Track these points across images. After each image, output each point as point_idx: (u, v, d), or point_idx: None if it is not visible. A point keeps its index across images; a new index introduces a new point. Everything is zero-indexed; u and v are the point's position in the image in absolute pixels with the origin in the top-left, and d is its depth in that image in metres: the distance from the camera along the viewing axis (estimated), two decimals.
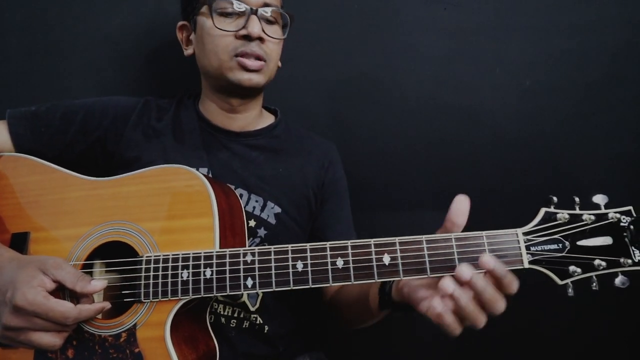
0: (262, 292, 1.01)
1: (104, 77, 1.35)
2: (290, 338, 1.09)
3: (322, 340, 1.22)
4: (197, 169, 1.02)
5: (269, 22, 1.05)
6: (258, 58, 1.02)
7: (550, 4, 1.38)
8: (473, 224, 1.35)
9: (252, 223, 1.03)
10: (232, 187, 1.03)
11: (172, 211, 0.87)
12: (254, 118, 1.15)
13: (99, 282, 0.80)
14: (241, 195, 1.03)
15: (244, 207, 0.97)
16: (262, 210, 1.04)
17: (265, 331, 1.03)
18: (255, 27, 1.00)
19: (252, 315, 1.01)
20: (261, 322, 1.02)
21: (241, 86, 1.03)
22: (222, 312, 0.99)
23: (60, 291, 0.80)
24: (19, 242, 0.92)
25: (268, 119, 1.19)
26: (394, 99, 1.39)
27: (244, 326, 1.01)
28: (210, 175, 1.04)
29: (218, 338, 0.91)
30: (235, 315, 1.00)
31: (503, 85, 1.39)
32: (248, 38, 1.01)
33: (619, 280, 0.70)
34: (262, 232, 1.03)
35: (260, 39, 1.02)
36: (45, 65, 1.34)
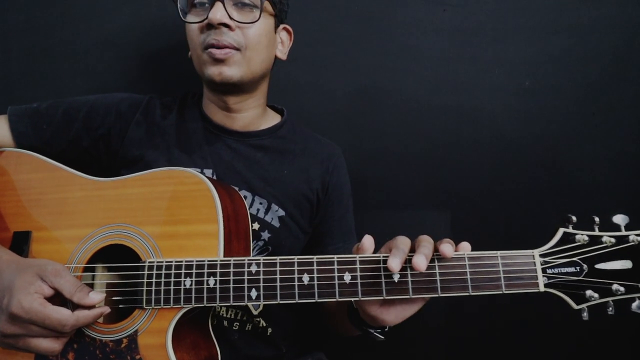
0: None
1: (105, 78, 1.26)
2: (292, 339, 1.02)
3: (323, 341, 1.14)
4: (202, 170, 0.93)
5: (242, 6, 0.90)
6: (229, 47, 0.89)
7: (550, 4, 1.29)
8: (472, 222, 1.30)
9: (256, 226, 0.94)
10: (236, 188, 0.93)
11: (176, 216, 0.79)
12: (257, 117, 1.03)
13: (97, 295, 0.72)
14: (245, 197, 0.94)
15: (248, 209, 0.88)
16: (266, 212, 0.95)
17: (269, 333, 0.96)
18: (217, 13, 0.86)
19: (256, 319, 0.94)
20: (265, 324, 0.95)
21: (214, 82, 0.91)
22: (224, 315, 0.92)
23: (59, 296, 0.72)
24: (21, 241, 0.84)
25: (274, 119, 1.08)
26: (395, 100, 1.30)
27: (247, 329, 0.94)
28: (214, 176, 0.95)
29: (220, 341, 0.84)
30: (239, 317, 0.93)
31: (503, 85, 1.30)
32: (212, 27, 0.88)
33: (635, 305, 0.63)
34: (265, 235, 0.94)
35: (227, 26, 0.88)
36: (46, 66, 1.26)
